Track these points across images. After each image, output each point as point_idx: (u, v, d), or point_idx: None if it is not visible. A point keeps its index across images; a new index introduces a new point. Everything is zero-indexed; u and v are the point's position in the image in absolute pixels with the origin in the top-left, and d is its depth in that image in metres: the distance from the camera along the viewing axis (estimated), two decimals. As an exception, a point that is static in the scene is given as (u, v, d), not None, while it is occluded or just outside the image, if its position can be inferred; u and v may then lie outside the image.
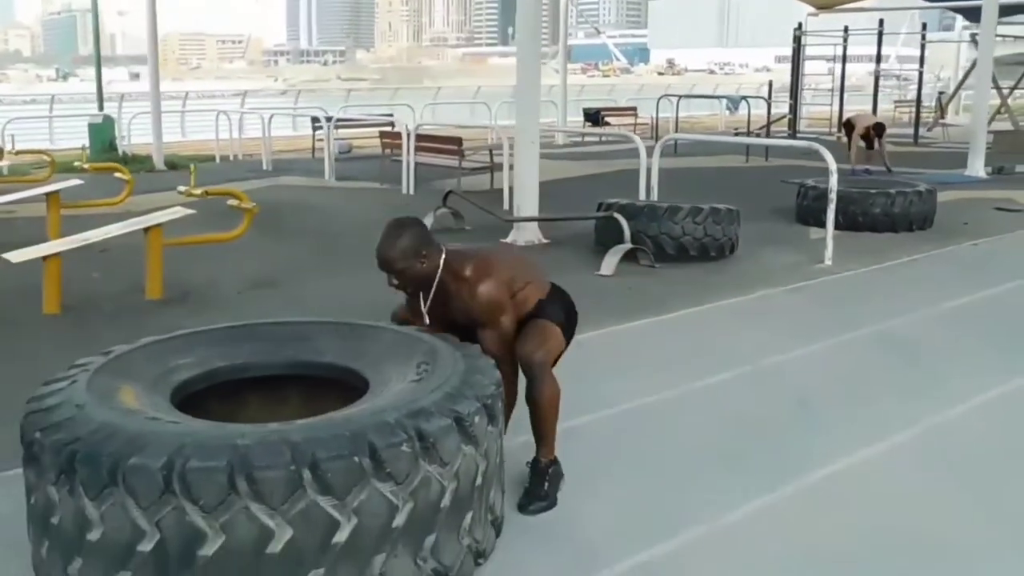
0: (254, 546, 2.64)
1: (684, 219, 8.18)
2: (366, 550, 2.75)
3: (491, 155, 13.05)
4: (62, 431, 2.80)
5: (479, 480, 3.07)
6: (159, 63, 16.84)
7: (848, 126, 15.86)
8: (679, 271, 7.90)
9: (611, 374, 5.19)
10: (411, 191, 12.81)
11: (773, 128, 20.77)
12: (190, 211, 7.43)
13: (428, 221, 8.68)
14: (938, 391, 5.04)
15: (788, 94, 22.55)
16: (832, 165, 8.33)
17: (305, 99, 29.27)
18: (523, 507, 3.59)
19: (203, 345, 3.64)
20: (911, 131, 21.68)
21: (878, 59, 22.79)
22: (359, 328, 3.77)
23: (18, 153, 13.68)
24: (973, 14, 23.61)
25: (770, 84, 21.36)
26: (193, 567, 2.64)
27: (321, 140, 16.99)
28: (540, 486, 3.65)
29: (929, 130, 22.98)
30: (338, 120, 16.52)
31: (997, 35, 16.78)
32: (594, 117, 22.67)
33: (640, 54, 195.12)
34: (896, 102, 27.42)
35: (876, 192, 9.85)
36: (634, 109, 23.96)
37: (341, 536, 2.70)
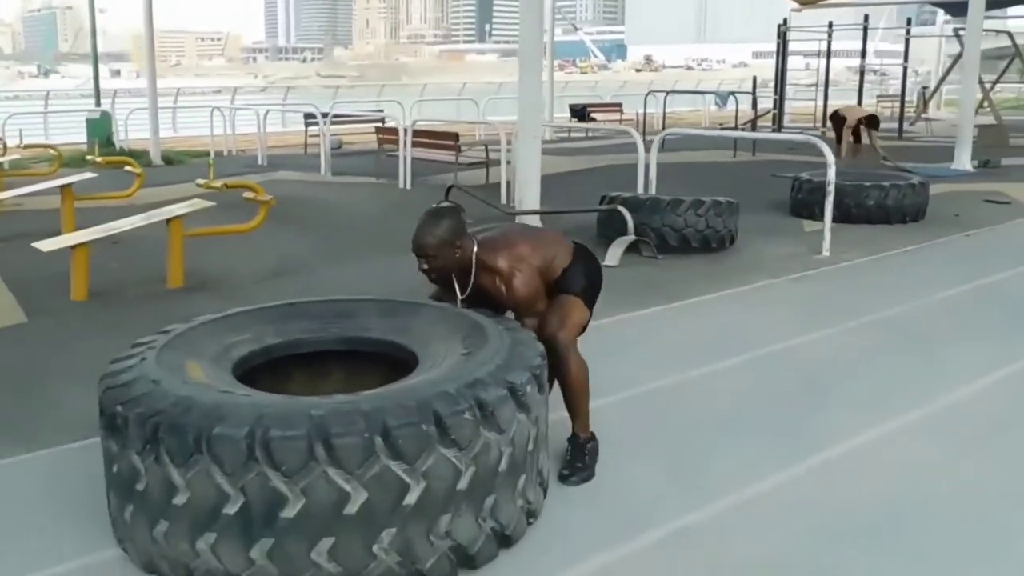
0: (332, 508, 2.81)
1: (687, 211, 8.37)
2: (433, 511, 2.93)
3: (487, 150, 13.21)
4: (142, 404, 2.96)
5: (531, 445, 3.26)
6: (140, 60, 16.91)
7: (837, 119, 15.86)
8: (682, 262, 8.08)
9: (629, 357, 5.39)
10: (408, 186, 12.96)
11: (757, 124, 20.92)
12: (210, 203, 7.56)
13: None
14: (946, 372, 5.26)
15: (772, 89, 22.74)
16: (830, 158, 8.57)
17: (291, 96, 29.31)
18: (564, 478, 3.76)
19: (257, 322, 3.80)
20: (895, 125, 21.94)
21: (863, 54, 23.03)
22: (402, 305, 3.91)
23: (26, 147, 13.76)
24: (955, 8, 23.88)
25: (755, 80, 21.61)
26: (275, 527, 2.81)
27: (314, 136, 17.15)
28: (580, 458, 3.83)
29: (912, 124, 23.25)
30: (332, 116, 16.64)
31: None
32: (580, 113, 22.71)
33: (617, 50, 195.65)
34: (879, 96, 27.70)
35: (870, 185, 10.07)
36: (619, 105, 24.13)
37: (411, 498, 2.87)
